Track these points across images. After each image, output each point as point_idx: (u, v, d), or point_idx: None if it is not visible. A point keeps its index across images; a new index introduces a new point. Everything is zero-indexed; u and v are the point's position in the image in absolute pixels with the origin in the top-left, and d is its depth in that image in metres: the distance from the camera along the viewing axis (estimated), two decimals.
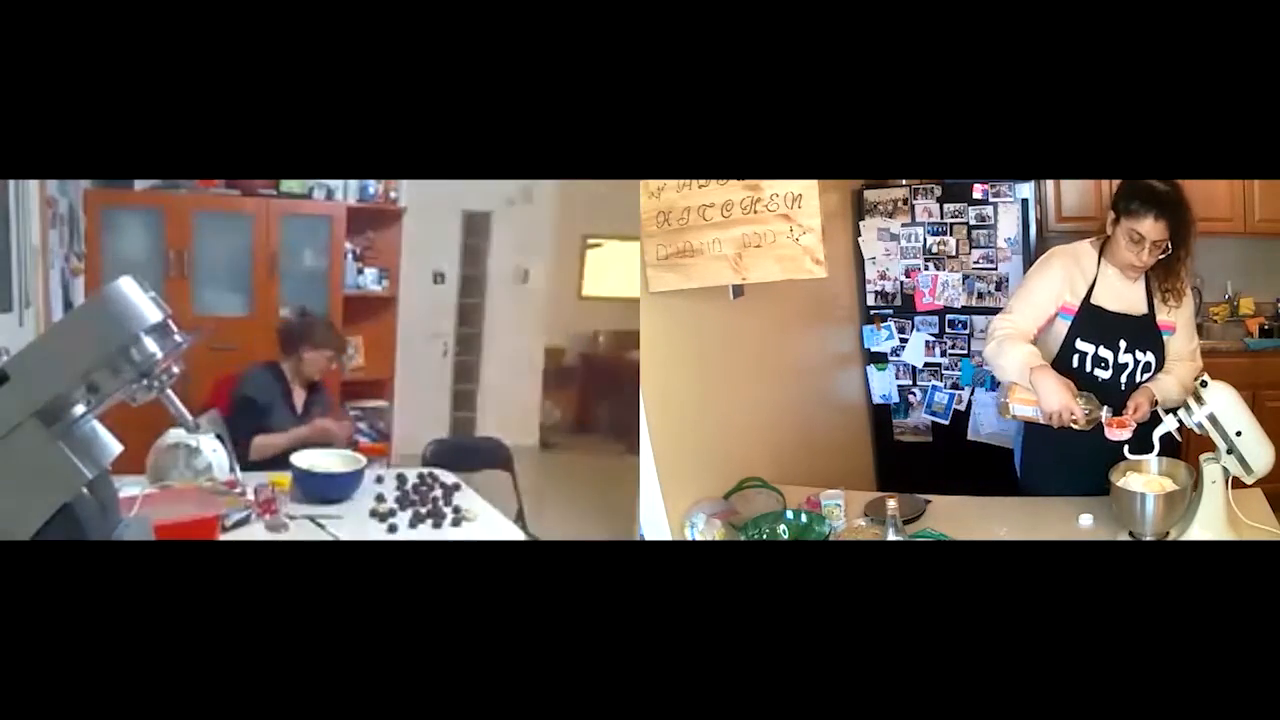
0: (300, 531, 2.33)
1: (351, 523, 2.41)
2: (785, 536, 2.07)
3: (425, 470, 2.94)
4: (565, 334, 6.59)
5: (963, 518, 2.15)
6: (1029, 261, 3.26)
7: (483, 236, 6.00)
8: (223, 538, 2.17)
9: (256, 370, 3.15)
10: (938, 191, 3.47)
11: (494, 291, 6.10)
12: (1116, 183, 2.18)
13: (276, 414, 3.05)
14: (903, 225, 3.53)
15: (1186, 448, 2.06)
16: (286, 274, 4.53)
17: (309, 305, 4.22)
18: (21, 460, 1.28)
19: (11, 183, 2.65)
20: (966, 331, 3.51)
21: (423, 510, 2.49)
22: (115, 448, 1.48)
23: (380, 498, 2.59)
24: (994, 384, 3.37)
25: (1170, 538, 1.90)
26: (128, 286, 1.34)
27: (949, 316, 3.53)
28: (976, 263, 3.45)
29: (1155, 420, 1.95)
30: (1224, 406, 1.84)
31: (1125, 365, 2.14)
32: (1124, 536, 1.95)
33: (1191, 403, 1.87)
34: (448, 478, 2.87)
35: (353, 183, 4.84)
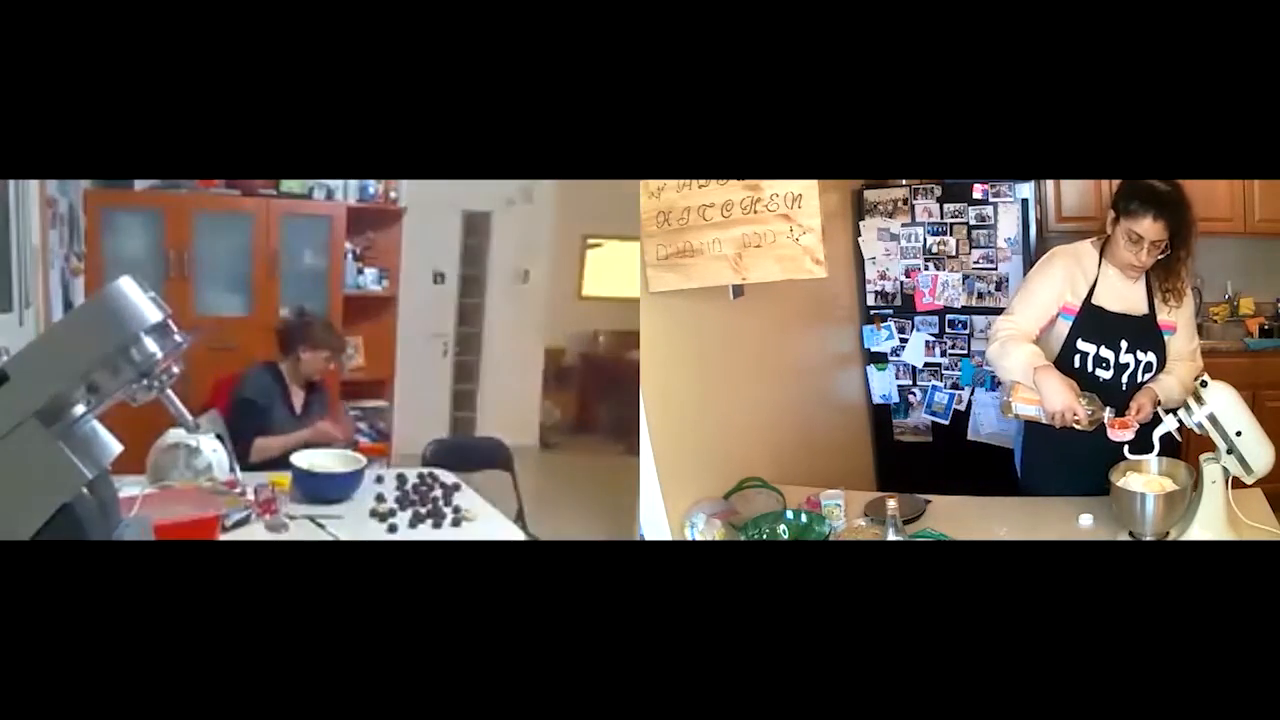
0: (300, 531, 2.33)
1: (351, 523, 2.41)
2: (785, 536, 2.07)
3: (425, 470, 2.94)
4: (565, 334, 6.59)
5: (963, 518, 2.15)
6: (1029, 261, 3.27)
7: (483, 236, 6.00)
8: (223, 538, 2.18)
9: (255, 371, 3.15)
10: (938, 191, 3.47)
11: (494, 291, 6.10)
12: (1116, 183, 2.18)
13: (275, 415, 3.06)
14: (903, 225, 3.53)
15: (1186, 448, 2.06)
16: (286, 274, 4.52)
17: (309, 305, 4.22)
18: (21, 460, 1.28)
19: (11, 183, 2.65)
20: (966, 331, 3.51)
21: (423, 510, 2.49)
22: (115, 448, 1.48)
23: (380, 498, 2.60)
24: (994, 384, 3.38)
25: (1170, 538, 1.90)
26: (128, 286, 1.34)
27: (949, 316, 3.53)
28: (976, 263, 3.45)
29: (1155, 420, 1.95)
30: (1224, 406, 1.84)
31: (1126, 365, 2.15)
32: (1124, 536, 1.95)
33: (1191, 403, 1.87)
34: (448, 478, 2.87)
35: (353, 183, 4.84)
